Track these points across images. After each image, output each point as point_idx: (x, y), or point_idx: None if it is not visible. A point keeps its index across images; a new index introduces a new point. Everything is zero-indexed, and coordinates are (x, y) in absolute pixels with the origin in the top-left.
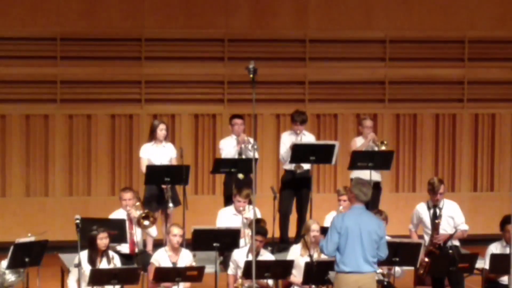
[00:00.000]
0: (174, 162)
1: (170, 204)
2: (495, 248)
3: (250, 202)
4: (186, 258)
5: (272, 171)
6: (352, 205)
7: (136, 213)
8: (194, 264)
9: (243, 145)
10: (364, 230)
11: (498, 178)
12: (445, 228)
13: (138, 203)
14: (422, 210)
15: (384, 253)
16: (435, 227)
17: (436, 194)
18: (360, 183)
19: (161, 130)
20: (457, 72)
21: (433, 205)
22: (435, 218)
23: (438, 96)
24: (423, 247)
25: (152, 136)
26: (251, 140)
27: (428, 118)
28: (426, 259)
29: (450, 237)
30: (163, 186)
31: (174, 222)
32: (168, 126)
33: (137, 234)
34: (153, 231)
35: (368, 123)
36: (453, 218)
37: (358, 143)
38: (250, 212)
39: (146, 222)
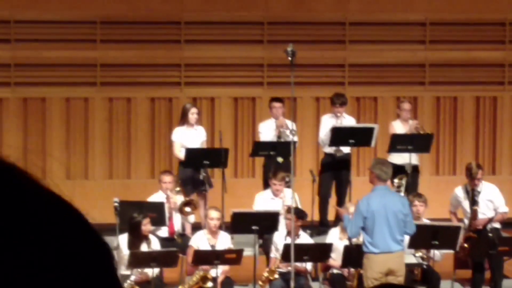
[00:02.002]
0: (205, 145)
1: (207, 186)
2: None
3: (288, 186)
4: (224, 241)
5: (312, 155)
6: (375, 186)
7: (177, 199)
8: (232, 247)
9: (281, 129)
10: (389, 211)
11: None
12: (485, 211)
13: (178, 188)
14: (460, 194)
15: (411, 229)
16: (473, 213)
17: (474, 180)
18: (380, 163)
19: (193, 114)
20: (498, 55)
21: (471, 189)
22: (473, 204)
23: (479, 78)
24: (462, 230)
25: (184, 119)
26: (290, 124)
27: (469, 101)
28: (465, 245)
29: (490, 220)
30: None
31: (213, 205)
32: (200, 110)
33: (176, 217)
34: (191, 217)
35: (406, 106)
36: (493, 201)
37: (396, 126)
38: (288, 196)
39: (187, 209)
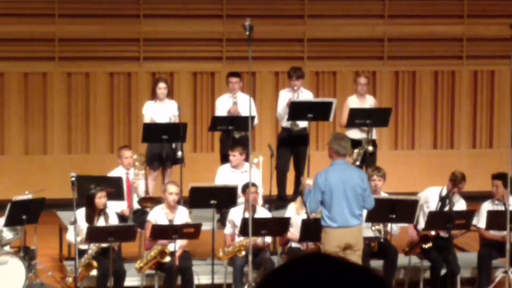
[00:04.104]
0: (177, 120)
1: (179, 153)
2: (487, 207)
3: (247, 160)
4: (182, 216)
5: (270, 129)
6: (333, 161)
7: (139, 184)
8: (190, 221)
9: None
10: (348, 186)
11: (497, 135)
12: None
13: (143, 171)
14: (432, 197)
15: (369, 204)
16: None
17: (454, 187)
18: (338, 138)
19: (160, 89)
20: (456, 29)
21: (447, 196)
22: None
23: (437, 53)
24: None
25: (154, 94)
26: (248, 100)
27: (427, 75)
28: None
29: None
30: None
31: (172, 179)
32: (169, 84)
33: (134, 195)
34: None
35: (363, 80)
36: None
37: (351, 101)
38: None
39: (148, 205)
